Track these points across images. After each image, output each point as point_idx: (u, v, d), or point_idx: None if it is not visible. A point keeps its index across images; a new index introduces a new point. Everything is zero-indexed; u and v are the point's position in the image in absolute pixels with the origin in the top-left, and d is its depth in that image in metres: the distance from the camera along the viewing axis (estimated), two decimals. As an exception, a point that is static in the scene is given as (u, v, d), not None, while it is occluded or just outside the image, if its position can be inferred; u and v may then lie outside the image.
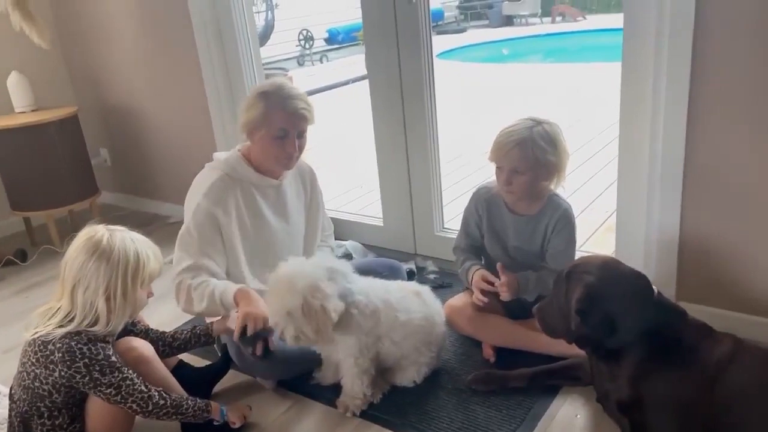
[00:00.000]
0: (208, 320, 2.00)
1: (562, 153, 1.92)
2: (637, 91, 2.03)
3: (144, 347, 1.75)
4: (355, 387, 1.84)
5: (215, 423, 1.75)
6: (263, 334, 1.83)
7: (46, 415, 1.60)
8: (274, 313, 1.71)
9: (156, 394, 1.63)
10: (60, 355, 1.54)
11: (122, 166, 3.85)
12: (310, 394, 1.97)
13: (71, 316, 1.59)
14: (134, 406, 1.60)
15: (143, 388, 1.61)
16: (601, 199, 3.48)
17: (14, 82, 3.27)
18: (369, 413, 1.85)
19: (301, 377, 2.01)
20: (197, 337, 1.92)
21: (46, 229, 3.31)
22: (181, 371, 1.92)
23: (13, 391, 1.67)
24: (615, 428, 1.68)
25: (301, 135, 2.01)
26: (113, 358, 1.59)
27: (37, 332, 1.58)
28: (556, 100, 6.41)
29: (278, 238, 2.14)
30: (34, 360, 1.58)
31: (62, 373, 1.55)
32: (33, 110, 3.32)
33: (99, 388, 1.56)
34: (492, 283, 1.97)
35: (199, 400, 1.73)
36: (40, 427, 1.61)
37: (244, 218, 2.05)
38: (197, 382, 1.92)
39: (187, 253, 1.98)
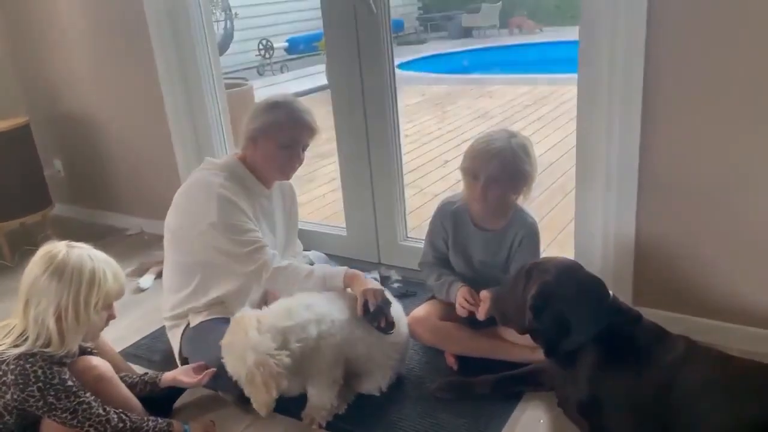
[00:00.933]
0: (158, 374, 1.91)
1: (535, 166, 1.94)
2: (592, 96, 2.08)
3: (104, 366, 1.70)
4: (324, 397, 1.82)
5: None
6: (384, 307, 1.86)
7: None
8: (228, 370, 1.71)
9: (115, 416, 1.58)
10: (13, 377, 1.48)
11: (77, 177, 3.74)
12: (275, 408, 1.94)
13: (25, 336, 1.52)
14: (91, 430, 1.55)
15: (101, 411, 1.56)
16: (562, 205, 3.55)
17: (-39, 91, 3.15)
18: (334, 424, 1.84)
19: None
20: (144, 384, 1.85)
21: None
22: None
23: None
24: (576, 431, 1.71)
25: (305, 148, 2.06)
26: (69, 383, 1.53)
27: None
28: (517, 111, 6.54)
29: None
30: None
31: (15, 396, 1.49)
32: (-19, 120, 3.20)
33: (54, 412, 1.51)
34: (473, 302, 1.95)
35: (160, 420, 1.69)
36: None
37: (255, 219, 2.04)
38: (158, 399, 1.87)
39: (245, 241, 1.93)
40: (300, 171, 2.17)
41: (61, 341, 1.53)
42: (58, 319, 1.52)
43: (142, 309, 2.64)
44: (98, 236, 3.51)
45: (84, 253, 1.59)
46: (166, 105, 3.09)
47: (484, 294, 1.91)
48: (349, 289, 1.94)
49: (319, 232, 3.06)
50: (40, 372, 1.49)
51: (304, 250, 2.50)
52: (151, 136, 3.26)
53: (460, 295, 1.99)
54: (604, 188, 2.14)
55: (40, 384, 1.48)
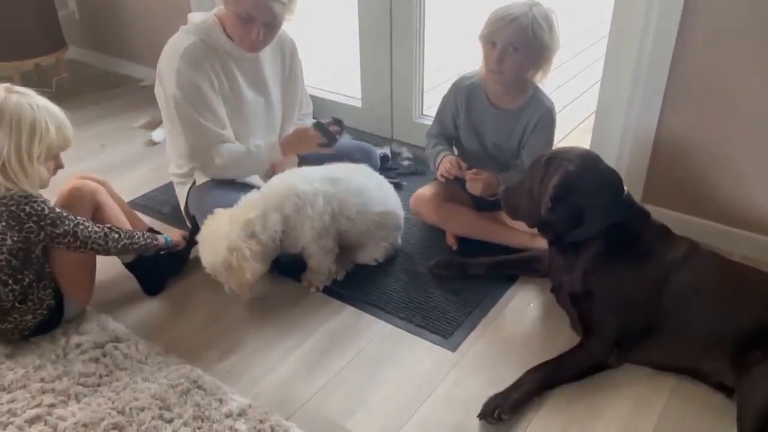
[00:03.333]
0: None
1: (556, 38, 1.85)
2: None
3: (98, 191, 1.77)
4: (321, 266, 1.88)
5: (162, 253, 1.87)
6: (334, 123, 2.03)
7: (11, 282, 1.59)
8: (206, 267, 1.79)
9: (108, 230, 1.68)
10: (4, 223, 1.52)
11: (92, 20, 3.62)
12: (276, 269, 2.00)
13: None
14: (95, 246, 1.64)
15: (96, 228, 1.65)
16: (584, 98, 3.44)
17: None
18: (331, 289, 1.91)
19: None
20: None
21: (11, 82, 3.15)
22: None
23: None
24: (565, 318, 1.77)
25: (268, 25, 1.89)
26: (57, 209, 1.59)
27: None
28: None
29: (253, 112, 2.07)
30: None
31: (15, 238, 1.54)
32: (-8, -50, 3.05)
33: (56, 239, 1.58)
34: (463, 169, 1.96)
35: (145, 233, 1.82)
36: (10, 294, 1.60)
37: (224, 86, 1.97)
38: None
39: (196, 126, 1.92)
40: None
41: (13, 187, 1.53)
42: (3, 167, 1.50)
43: (154, 162, 2.67)
44: (113, 85, 3.49)
45: (24, 101, 1.52)
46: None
47: (474, 171, 1.94)
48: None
49: (332, 101, 3.00)
50: (28, 208, 1.53)
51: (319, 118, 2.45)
52: (166, -16, 3.12)
53: (446, 161, 1.98)
54: (631, 80, 2.05)
55: (34, 218, 1.54)
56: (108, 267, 1.91)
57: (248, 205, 1.80)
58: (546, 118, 1.95)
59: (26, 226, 1.53)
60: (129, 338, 1.71)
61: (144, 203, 2.36)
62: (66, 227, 1.58)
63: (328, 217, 1.82)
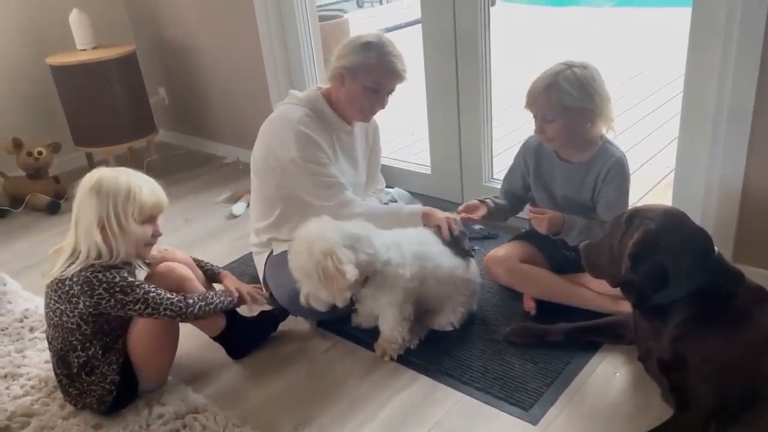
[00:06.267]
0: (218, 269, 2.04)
1: (595, 96, 1.83)
2: (706, 38, 1.90)
3: (181, 268, 1.84)
4: (395, 333, 1.86)
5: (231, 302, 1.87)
6: (465, 232, 2.01)
7: (79, 348, 1.68)
8: (294, 270, 1.74)
9: (182, 296, 1.72)
10: (79, 288, 1.62)
11: (179, 105, 3.92)
12: (350, 336, 2.01)
13: (77, 253, 1.65)
14: (168, 312, 1.68)
15: (169, 295, 1.70)
16: (663, 154, 3.33)
17: (75, 19, 3.34)
18: (405, 358, 1.88)
19: (341, 318, 2.04)
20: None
21: (106, 165, 3.42)
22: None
23: (47, 334, 1.76)
24: (655, 389, 1.66)
25: (390, 92, 2.03)
26: (130, 278, 1.66)
27: (52, 274, 1.67)
28: (618, 48, 6.08)
29: (348, 184, 2.14)
30: (56, 298, 1.67)
31: (86, 303, 1.63)
32: (93, 48, 3.39)
33: (127, 306, 1.64)
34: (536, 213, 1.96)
35: (218, 292, 1.86)
36: (76, 360, 1.69)
37: (329, 153, 2.06)
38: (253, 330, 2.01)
39: (324, 180, 1.99)
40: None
41: (109, 251, 1.64)
42: (103, 230, 1.63)
43: (235, 233, 2.79)
44: (198, 164, 3.71)
45: (120, 172, 1.70)
46: (261, 38, 3.13)
47: (537, 210, 1.96)
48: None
49: (403, 169, 3.05)
50: (101, 275, 1.62)
51: (387, 186, 2.50)
52: (246, 67, 3.34)
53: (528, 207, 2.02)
54: (710, 137, 1.97)
55: (105, 285, 1.62)
56: (187, 337, 1.95)
57: (361, 225, 1.78)
58: (616, 168, 1.91)
59: (96, 292, 1.61)
60: (207, 409, 1.74)
61: (224, 274, 2.45)
62: (136, 295, 1.64)
63: (418, 282, 1.82)
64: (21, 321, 2.22)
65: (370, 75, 1.97)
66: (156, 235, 1.76)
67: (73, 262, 1.64)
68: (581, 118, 1.86)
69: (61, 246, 1.71)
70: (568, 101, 1.81)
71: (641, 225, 1.54)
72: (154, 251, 1.86)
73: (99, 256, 1.63)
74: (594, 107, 1.84)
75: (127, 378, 1.73)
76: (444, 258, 1.89)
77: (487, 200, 2.08)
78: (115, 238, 1.64)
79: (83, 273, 1.62)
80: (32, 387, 1.88)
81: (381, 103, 2.04)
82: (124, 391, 1.74)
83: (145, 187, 1.70)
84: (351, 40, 2.03)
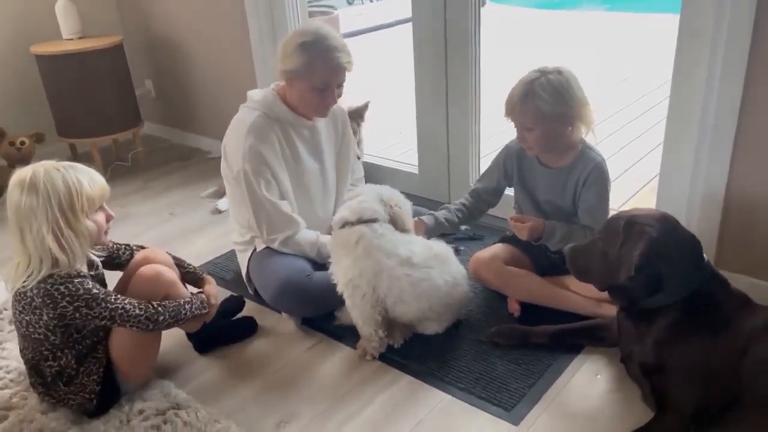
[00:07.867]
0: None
1: (571, 102, 1.84)
2: (693, 45, 1.92)
3: (169, 272, 1.77)
4: (363, 331, 1.86)
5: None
6: None
7: (50, 358, 1.63)
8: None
9: (152, 309, 1.63)
10: (40, 300, 1.53)
11: (166, 98, 3.88)
12: (333, 334, 2.01)
13: (32, 268, 1.52)
14: (135, 327, 1.61)
15: (137, 311, 1.61)
16: (648, 158, 3.36)
17: (62, 9, 3.29)
18: (389, 357, 1.88)
19: (325, 316, 2.04)
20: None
21: (91, 156, 3.39)
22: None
23: (20, 346, 1.69)
24: (636, 391, 1.67)
25: (339, 85, 2.01)
26: (94, 291, 1.56)
27: (14, 288, 1.57)
28: (606, 53, 6.13)
29: (312, 179, 2.16)
30: (20, 309, 1.59)
31: (50, 315, 1.55)
32: (80, 38, 3.34)
33: (94, 320, 1.58)
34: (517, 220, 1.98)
35: (192, 299, 1.76)
36: (48, 370, 1.64)
37: (285, 152, 2.06)
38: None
39: (261, 200, 2.00)
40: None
41: (66, 256, 1.53)
42: (55, 236, 1.51)
43: (219, 230, 2.76)
44: (184, 157, 3.68)
45: (50, 167, 1.54)
46: (251, 32, 3.11)
47: (517, 217, 1.98)
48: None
49: (390, 168, 3.05)
50: (62, 288, 1.51)
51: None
52: (234, 63, 3.32)
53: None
54: (696, 142, 1.99)
55: (68, 298, 1.52)
56: (171, 331, 1.91)
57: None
58: (596, 173, 1.92)
59: (60, 305, 1.53)
60: (189, 405, 1.73)
61: (208, 270, 2.42)
62: (102, 310, 1.56)
63: (367, 272, 1.82)
64: (0, 313, 2.19)
65: (314, 75, 1.93)
66: (110, 219, 1.67)
67: (31, 274, 1.52)
68: (560, 123, 1.87)
69: (12, 264, 1.58)
70: (545, 108, 1.82)
71: (643, 233, 1.54)
72: (139, 255, 1.84)
73: (56, 264, 1.53)
74: (572, 112, 1.85)
75: (108, 383, 1.68)
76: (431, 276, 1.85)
77: (425, 217, 2.07)
78: (70, 242, 1.53)
79: (42, 285, 1.52)
80: (11, 380, 1.86)
81: (332, 97, 2.00)
82: (107, 397, 1.69)
83: (84, 178, 1.56)
84: (290, 39, 1.97)
